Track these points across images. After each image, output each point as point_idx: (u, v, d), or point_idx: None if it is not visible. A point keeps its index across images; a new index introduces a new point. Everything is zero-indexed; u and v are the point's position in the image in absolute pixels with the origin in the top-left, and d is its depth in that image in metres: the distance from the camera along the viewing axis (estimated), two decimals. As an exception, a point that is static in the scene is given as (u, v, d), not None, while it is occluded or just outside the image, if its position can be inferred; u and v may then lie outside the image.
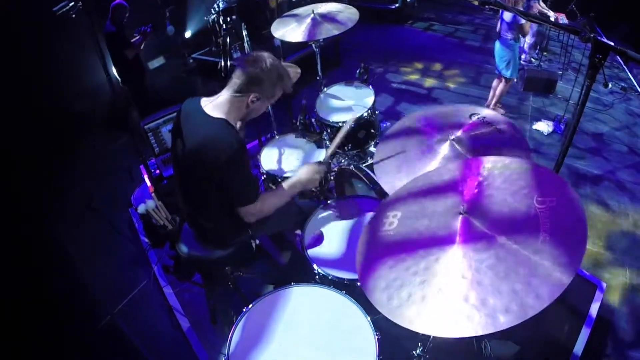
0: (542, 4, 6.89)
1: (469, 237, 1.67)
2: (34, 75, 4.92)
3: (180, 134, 2.61)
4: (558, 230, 1.58)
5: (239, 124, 2.67)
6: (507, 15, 5.55)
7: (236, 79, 2.52)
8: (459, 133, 2.51)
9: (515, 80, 6.17)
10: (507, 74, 5.89)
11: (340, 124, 3.85)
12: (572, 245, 1.53)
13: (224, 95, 2.54)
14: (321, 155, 3.74)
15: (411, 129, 2.71)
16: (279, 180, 3.56)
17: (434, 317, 1.51)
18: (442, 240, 1.71)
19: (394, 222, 1.92)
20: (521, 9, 5.21)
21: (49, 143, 4.94)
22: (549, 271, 1.47)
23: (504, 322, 1.41)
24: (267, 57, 2.52)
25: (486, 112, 2.65)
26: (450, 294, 1.53)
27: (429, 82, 7.52)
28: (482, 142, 2.45)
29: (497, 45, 5.87)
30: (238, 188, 2.53)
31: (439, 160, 2.41)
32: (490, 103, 6.45)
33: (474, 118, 2.61)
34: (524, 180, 1.82)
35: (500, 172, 1.90)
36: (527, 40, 7.86)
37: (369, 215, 3.02)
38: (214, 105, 2.52)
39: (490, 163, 1.97)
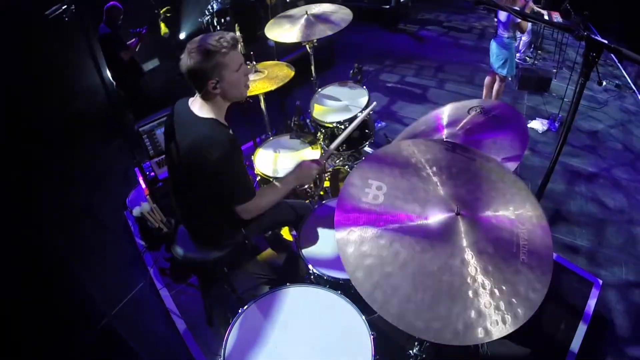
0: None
1: (455, 242, 1.69)
2: (30, 77, 4.90)
3: (172, 136, 2.60)
4: (533, 253, 1.65)
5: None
6: (503, 15, 5.54)
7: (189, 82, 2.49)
8: (455, 131, 2.51)
9: (510, 78, 6.15)
10: (504, 72, 5.87)
11: (334, 124, 3.85)
12: (542, 270, 1.62)
13: (198, 99, 2.53)
14: (316, 156, 3.73)
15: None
16: (273, 181, 3.56)
17: (418, 316, 1.53)
18: (430, 234, 1.72)
19: (379, 196, 1.90)
20: (517, 8, 5.22)
21: (45, 146, 4.93)
22: (525, 292, 1.55)
23: (484, 338, 1.50)
24: (189, 48, 2.39)
25: (476, 102, 2.66)
26: (432, 296, 1.55)
27: (423, 82, 7.52)
28: (477, 134, 2.47)
29: (493, 44, 5.86)
30: (233, 186, 2.51)
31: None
32: None
33: (472, 112, 2.62)
34: (511, 195, 1.87)
35: (498, 180, 1.92)
36: (523, 39, 7.87)
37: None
38: (200, 106, 2.50)
39: (485, 163, 1.98)
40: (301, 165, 2.87)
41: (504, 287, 1.54)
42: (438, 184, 1.91)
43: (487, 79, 6.30)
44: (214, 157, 2.36)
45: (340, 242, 1.77)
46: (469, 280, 1.56)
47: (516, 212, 1.79)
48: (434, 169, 1.98)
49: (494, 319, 1.49)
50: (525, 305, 1.51)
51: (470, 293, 1.54)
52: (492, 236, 1.69)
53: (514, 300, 1.52)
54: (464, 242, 1.67)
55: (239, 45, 2.49)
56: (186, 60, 2.37)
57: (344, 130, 3.18)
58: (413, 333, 1.50)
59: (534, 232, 1.71)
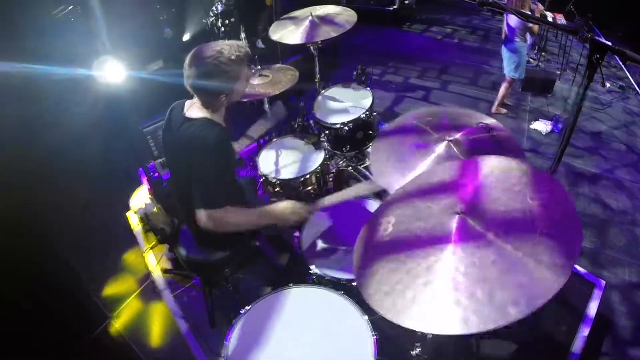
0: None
1: (467, 236, 1.67)
2: (33, 75, 4.92)
3: (169, 139, 2.62)
4: (553, 223, 1.61)
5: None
6: (513, 19, 5.56)
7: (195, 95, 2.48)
8: (457, 135, 2.51)
9: (516, 79, 6.15)
10: (516, 75, 5.91)
11: (338, 125, 3.85)
12: (569, 235, 1.57)
13: (197, 104, 2.51)
14: (319, 157, 3.74)
15: (410, 126, 2.71)
16: (276, 182, 3.56)
17: (441, 316, 1.51)
18: (440, 240, 1.71)
19: (388, 228, 1.92)
20: (528, 11, 5.22)
21: (48, 144, 4.94)
22: (550, 261, 1.49)
23: (514, 314, 1.41)
24: (200, 64, 2.34)
25: (489, 121, 2.64)
26: (455, 292, 1.54)
27: (427, 84, 7.52)
28: (478, 148, 2.45)
29: (504, 49, 5.89)
30: (204, 186, 2.37)
31: (432, 158, 2.41)
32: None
33: (479, 125, 2.59)
34: (515, 178, 1.84)
35: (493, 171, 1.92)
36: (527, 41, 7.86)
37: (367, 216, 3.03)
38: (198, 109, 2.49)
39: (483, 163, 1.99)
40: (285, 205, 2.67)
41: (526, 260, 1.51)
42: (439, 198, 1.92)
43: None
44: (199, 153, 2.36)
45: (363, 287, 1.76)
46: (487, 266, 1.55)
47: (524, 193, 1.77)
48: (435, 188, 2.00)
49: (522, 295, 1.45)
50: (555, 272, 1.46)
51: (493, 276, 1.52)
52: (500, 220, 1.68)
53: (539, 269, 1.48)
54: (480, 233, 1.66)
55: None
56: (196, 76, 2.35)
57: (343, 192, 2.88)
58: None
59: (550, 200, 1.69)
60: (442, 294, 1.55)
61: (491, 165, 1.95)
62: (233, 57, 2.34)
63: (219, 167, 2.42)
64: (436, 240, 1.72)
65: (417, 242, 1.77)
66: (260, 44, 7.71)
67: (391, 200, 2.13)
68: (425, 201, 1.95)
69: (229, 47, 2.35)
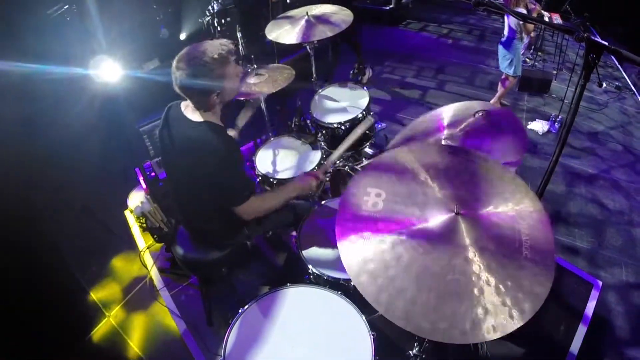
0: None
1: (463, 240, 1.68)
2: (31, 74, 4.90)
3: (167, 140, 2.61)
4: (536, 248, 1.65)
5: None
6: (512, 19, 5.60)
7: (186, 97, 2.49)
8: (447, 132, 2.51)
9: (516, 77, 6.17)
10: (510, 71, 5.93)
11: (335, 125, 3.85)
12: (545, 264, 1.62)
13: (190, 104, 2.52)
14: (317, 156, 3.73)
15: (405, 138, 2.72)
16: (273, 181, 3.56)
17: (432, 319, 1.52)
18: (438, 238, 1.72)
19: (378, 203, 1.90)
20: (523, 9, 5.24)
21: (45, 143, 4.92)
22: (530, 286, 1.54)
23: (493, 335, 1.47)
24: (185, 66, 2.37)
25: (478, 104, 2.64)
26: (446, 297, 1.55)
27: (424, 83, 7.51)
28: (476, 137, 2.46)
29: (500, 46, 5.94)
30: (229, 188, 2.51)
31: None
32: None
33: (477, 115, 2.59)
34: (509, 192, 1.88)
35: (492, 174, 1.92)
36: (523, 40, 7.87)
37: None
38: (193, 110, 2.50)
39: (483, 163, 1.99)
40: (301, 178, 2.93)
41: (508, 283, 1.54)
42: (436, 186, 1.91)
43: (500, 84, 6.35)
44: (210, 160, 2.38)
45: (343, 249, 1.78)
46: (473, 278, 1.57)
47: (515, 208, 1.79)
48: (431, 172, 1.98)
49: (501, 315, 1.48)
50: (531, 299, 1.51)
51: (475, 291, 1.54)
52: (493, 233, 1.70)
53: (519, 295, 1.52)
54: (466, 241, 1.67)
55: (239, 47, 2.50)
56: (183, 78, 2.36)
57: (341, 144, 3.20)
58: (420, 334, 1.50)
59: (535, 227, 1.71)
60: (429, 292, 1.57)
61: (496, 171, 1.96)
62: (216, 56, 2.35)
63: (236, 166, 2.54)
64: (430, 234, 1.74)
65: (408, 229, 1.77)
66: (268, 40, 7.64)
67: (374, 169, 2.11)
68: (422, 185, 1.94)
69: (211, 47, 2.38)
